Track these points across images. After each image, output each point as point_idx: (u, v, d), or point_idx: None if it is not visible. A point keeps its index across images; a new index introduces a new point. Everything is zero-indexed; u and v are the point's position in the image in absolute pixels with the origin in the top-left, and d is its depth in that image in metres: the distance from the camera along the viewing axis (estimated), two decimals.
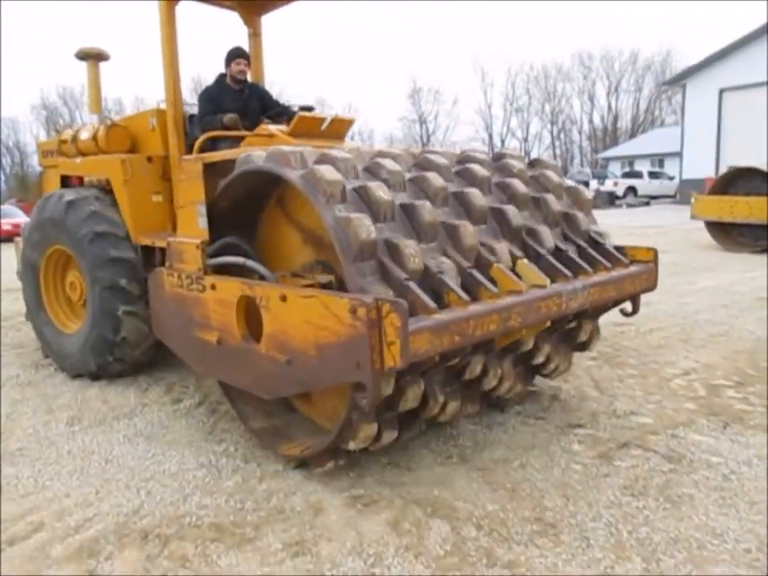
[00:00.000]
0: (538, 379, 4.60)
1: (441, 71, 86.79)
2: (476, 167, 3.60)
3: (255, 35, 5.83)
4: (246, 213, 3.61)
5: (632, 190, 28.89)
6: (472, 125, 64.32)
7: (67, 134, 5.67)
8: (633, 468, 3.24)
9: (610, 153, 46.39)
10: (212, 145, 4.66)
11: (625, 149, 45.29)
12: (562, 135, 64.02)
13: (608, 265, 3.65)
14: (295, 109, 5.24)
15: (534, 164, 4.09)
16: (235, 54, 5.14)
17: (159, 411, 4.18)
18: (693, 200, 11.11)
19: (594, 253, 3.68)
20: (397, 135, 62.45)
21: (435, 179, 3.27)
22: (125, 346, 4.70)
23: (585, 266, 3.51)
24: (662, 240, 12.80)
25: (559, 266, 3.37)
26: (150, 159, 4.95)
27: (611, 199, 27.12)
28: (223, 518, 2.83)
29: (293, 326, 2.82)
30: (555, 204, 3.71)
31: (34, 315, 5.51)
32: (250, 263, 3.41)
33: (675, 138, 38.58)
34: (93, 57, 5.77)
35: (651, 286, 3.84)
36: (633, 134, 59.37)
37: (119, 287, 4.59)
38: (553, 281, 3.23)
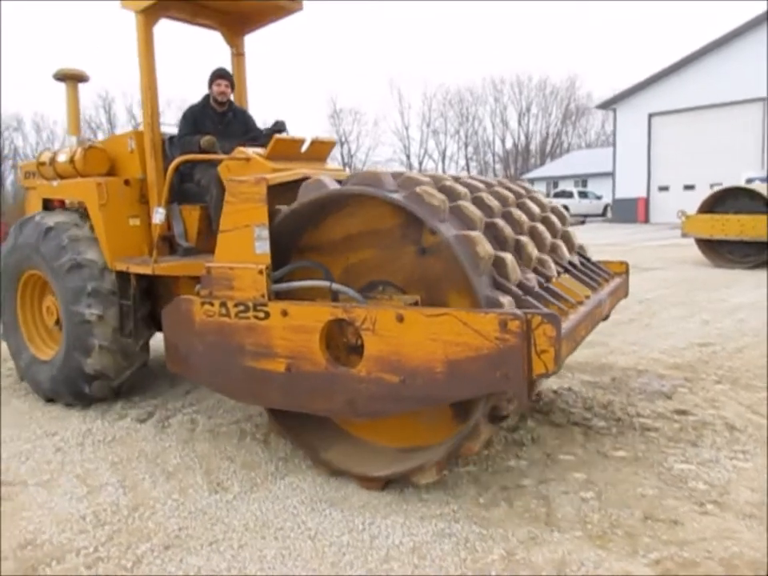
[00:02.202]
0: (687, 405, 4.36)
1: (360, 92, 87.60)
2: (503, 190, 3.83)
3: (238, 55, 5.61)
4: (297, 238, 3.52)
5: (564, 208, 29.79)
6: (391, 146, 64.66)
7: (46, 156, 5.40)
8: None
9: (534, 173, 48.00)
10: (190, 168, 4.62)
11: (549, 169, 47.01)
12: (476, 157, 65.85)
13: (606, 277, 4.18)
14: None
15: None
16: (216, 75, 4.94)
17: (309, 468, 3.54)
18: (684, 218, 11.40)
19: (592, 266, 4.17)
20: None
21: (493, 200, 3.46)
22: (101, 377, 4.59)
23: (597, 278, 3.99)
24: (640, 257, 13.09)
25: (587, 279, 3.82)
26: (127, 182, 4.79)
27: None
28: None
29: (411, 346, 2.86)
30: (558, 223, 4.09)
31: (10, 337, 5.32)
32: (337, 286, 3.30)
33: (598, 159, 40.61)
34: (72, 78, 5.58)
35: (626, 294, 4.46)
36: (542, 157, 61.91)
37: (95, 321, 4.45)
38: (592, 291, 3.72)
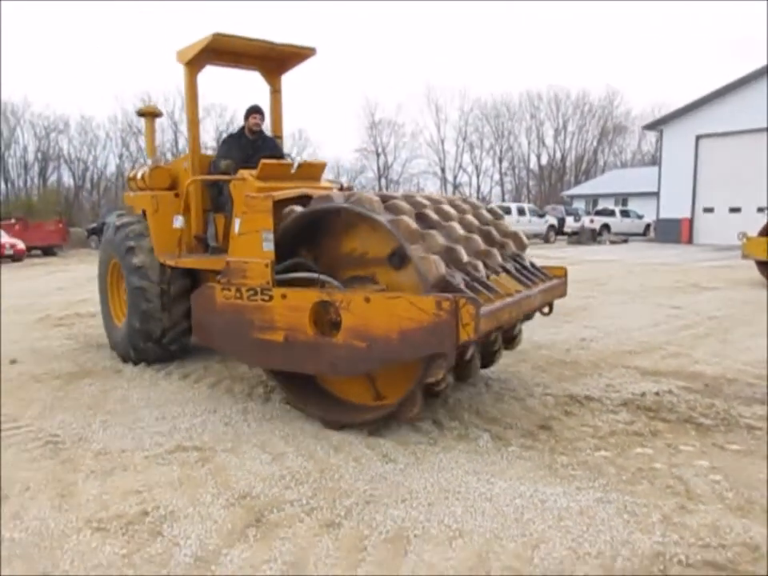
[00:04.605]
0: None
1: (398, 104, 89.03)
2: (469, 217, 4.91)
3: (275, 92, 6.70)
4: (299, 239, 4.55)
5: (606, 227, 30.10)
6: (426, 158, 64.99)
7: (133, 173, 6.89)
8: None
9: (573, 191, 48.24)
10: (223, 184, 5.75)
11: (588, 187, 47.22)
12: (510, 173, 65.97)
13: (543, 278, 5.09)
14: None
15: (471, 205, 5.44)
16: (252, 110, 6.13)
17: (460, 443, 4.03)
18: (745, 240, 11.72)
19: (532, 270, 5.09)
20: (344, 165, 63.08)
21: (434, 215, 4.50)
22: (149, 334, 5.95)
23: (532, 278, 4.88)
24: (698, 277, 13.39)
25: (522, 278, 4.73)
26: (177, 195, 6.09)
27: (593, 236, 28.17)
28: None
29: (375, 320, 3.81)
30: (498, 235, 5.08)
31: (104, 316, 6.95)
32: (323, 277, 4.31)
33: (638, 178, 40.75)
34: (150, 114, 6.99)
35: (564, 294, 5.43)
36: (577, 175, 61.96)
37: (142, 289, 5.87)
38: (524, 287, 4.63)
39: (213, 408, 4.86)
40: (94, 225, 30.58)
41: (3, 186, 55.02)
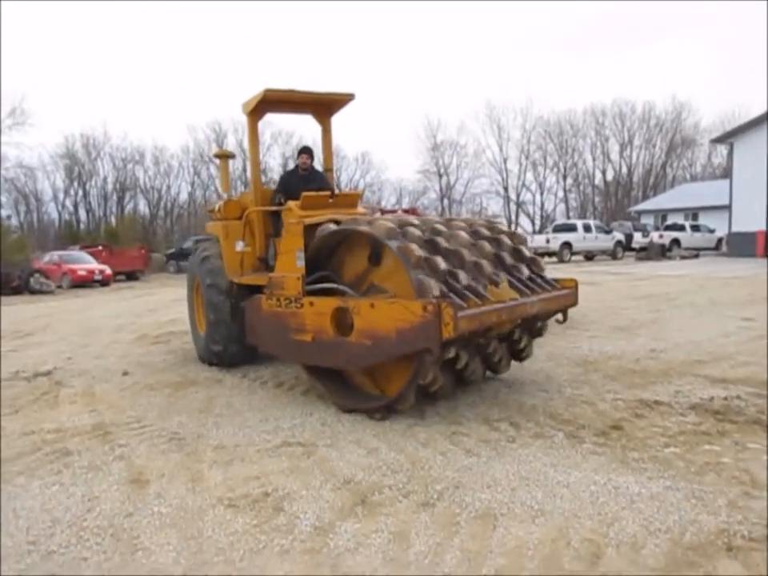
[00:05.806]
0: None
1: (459, 123, 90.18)
2: (482, 229, 5.64)
3: (326, 131, 7.61)
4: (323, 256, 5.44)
5: (676, 242, 29.55)
6: (488, 177, 64.96)
7: (213, 205, 7.95)
8: None
9: (641, 206, 47.39)
10: (275, 213, 6.83)
11: (656, 202, 46.29)
12: (574, 189, 65.15)
13: (548, 288, 5.58)
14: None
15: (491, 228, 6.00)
16: (301, 151, 7.25)
17: (536, 440, 4.41)
18: None
19: (538, 281, 5.58)
20: (407, 187, 64.22)
21: (441, 227, 5.29)
22: (221, 339, 7.00)
23: (535, 288, 5.42)
24: None
25: (522, 287, 5.24)
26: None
27: (663, 251, 27.70)
28: None
29: (378, 322, 4.61)
30: (527, 251, 5.78)
31: (192, 329, 8.06)
32: (341, 287, 5.17)
33: (709, 192, 39.76)
34: (224, 156, 8.04)
35: (574, 303, 5.85)
36: (645, 190, 60.69)
37: (214, 303, 6.95)
38: (521, 295, 5.13)
39: (309, 411, 5.39)
40: (172, 250, 32.30)
41: (85, 216, 58.66)
